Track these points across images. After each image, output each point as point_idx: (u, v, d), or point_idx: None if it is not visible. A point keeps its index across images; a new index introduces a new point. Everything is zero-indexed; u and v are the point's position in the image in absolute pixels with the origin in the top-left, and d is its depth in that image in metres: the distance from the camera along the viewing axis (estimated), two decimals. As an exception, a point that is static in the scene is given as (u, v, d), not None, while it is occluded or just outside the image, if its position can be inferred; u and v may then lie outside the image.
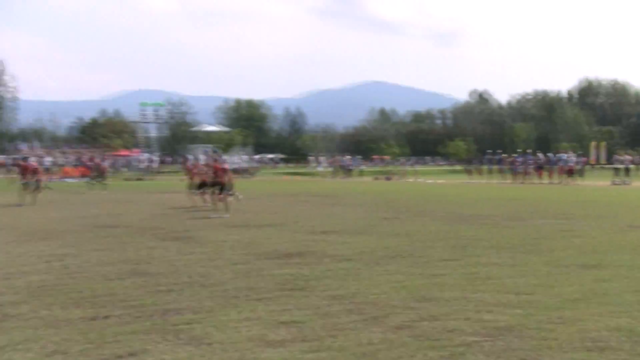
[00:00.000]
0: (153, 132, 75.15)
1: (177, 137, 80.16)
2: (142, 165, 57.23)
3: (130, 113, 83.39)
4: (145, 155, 59.89)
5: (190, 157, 22.82)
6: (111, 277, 9.10)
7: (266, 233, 14.39)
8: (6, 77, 65.72)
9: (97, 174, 35.02)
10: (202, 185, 21.24)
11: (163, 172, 62.54)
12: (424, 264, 10.15)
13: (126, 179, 49.85)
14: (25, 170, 24.92)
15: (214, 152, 24.35)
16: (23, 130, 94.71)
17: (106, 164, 52.76)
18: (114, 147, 64.17)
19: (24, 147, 65.76)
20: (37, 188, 24.42)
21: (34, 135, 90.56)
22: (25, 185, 24.34)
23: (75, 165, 46.44)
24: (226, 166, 20.61)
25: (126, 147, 66.72)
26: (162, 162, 67.25)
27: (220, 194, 19.31)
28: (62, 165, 52.10)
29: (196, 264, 10.24)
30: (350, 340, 6.00)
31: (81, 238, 13.69)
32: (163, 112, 78.77)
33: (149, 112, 68.69)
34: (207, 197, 20.62)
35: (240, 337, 6.11)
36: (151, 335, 6.19)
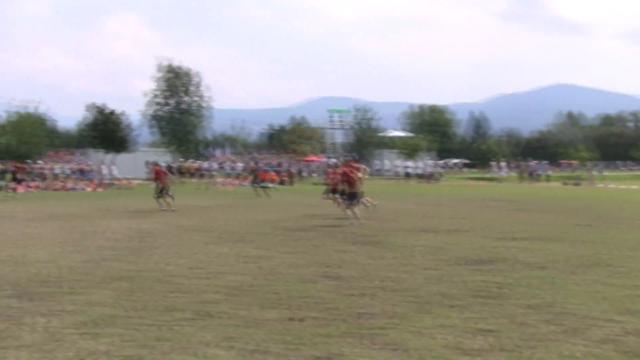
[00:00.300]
0: (339, 138, 76.41)
1: (363, 143, 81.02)
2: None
3: (318, 119, 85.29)
4: (332, 161, 60.92)
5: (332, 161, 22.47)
6: (304, 280, 9.30)
7: (455, 238, 14.19)
8: (202, 88, 68.91)
9: (256, 178, 35.01)
10: (334, 191, 20.62)
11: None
12: (625, 275, 9.62)
13: (314, 184, 50.84)
14: (157, 175, 24.95)
15: (348, 156, 22.57)
16: (217, 138, 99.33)
17: (294, 169, 54.27)
18: (302, 153, 65.79)
19: (217, 153, 68.90)
20: (166, 193, 24.14)
21: (227, 142, 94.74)
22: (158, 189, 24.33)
23: (265, 171, 47.98)
24: (354, 172, 19.07)
25: (314, 153, 68.27)
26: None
27: (347, 200, 18.57)
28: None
29: (387, 268, 10.26)
30: (551, 352, 5.77)
31: (273, 240, 14.10)
32: (349, 118, 79.91)
33: (336, 118, 70.01)
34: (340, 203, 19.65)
35: (435, 344, 6.03)
36: (347, 338, 6.24)
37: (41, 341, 6.23)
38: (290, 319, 6.98)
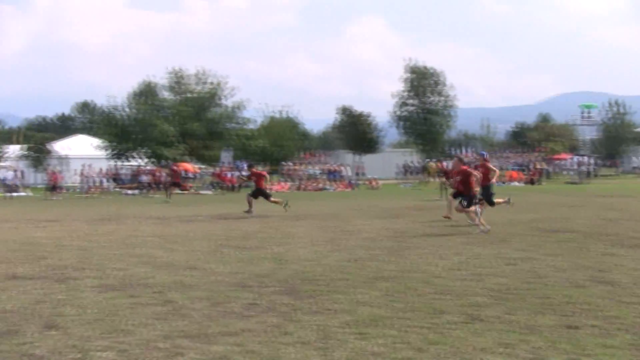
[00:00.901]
0: (590, 134, 73.11)
1: (616, 139, 76.71)
2: (582, 168, 55.76)
3: (566, 116, 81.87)
4: (583, 159, 58.29)
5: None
6: (574, 284, 8.81)
7: None
8: (446, 87, 68.85)
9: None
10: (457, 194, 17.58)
11: (602, 176, 60.42)
12: None
13: (568, 182, 48.89)
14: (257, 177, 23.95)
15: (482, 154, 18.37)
16: (460, 137, 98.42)
17: (541, 167, 52.50)
18: (552, 150, 63.54)
19: (460, 152, 68.37)
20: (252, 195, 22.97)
21: (471, 141, 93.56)
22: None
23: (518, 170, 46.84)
24: (467, 168, 17.29)
25: (564, 151, 65.76)
26: (600, 165, 65.37)
27: (461, 203, 16.54)
28: (505, 170, 52.29)
29: (664, 274, 9.46)
30: None
31: (532, 242, 13.60)
32: (600, 114, 76.21)
33: (586, 114, 67.12)
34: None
35: None
36: (633, 351, 5.75)
37: (315, 339, 6.33)
38: (566, 326, 6.59)
